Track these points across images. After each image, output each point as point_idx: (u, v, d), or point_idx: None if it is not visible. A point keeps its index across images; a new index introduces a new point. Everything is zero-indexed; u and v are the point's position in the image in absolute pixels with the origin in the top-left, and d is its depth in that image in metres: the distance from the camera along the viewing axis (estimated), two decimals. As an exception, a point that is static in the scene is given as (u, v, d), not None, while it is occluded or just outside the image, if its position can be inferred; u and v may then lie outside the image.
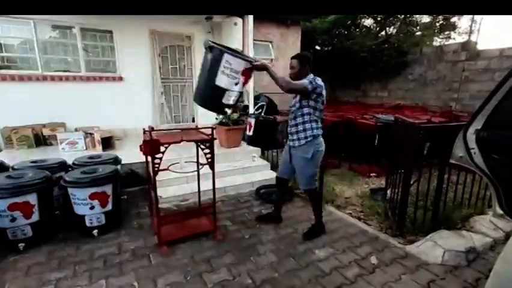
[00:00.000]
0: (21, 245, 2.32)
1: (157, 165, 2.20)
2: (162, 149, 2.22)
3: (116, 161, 3.18)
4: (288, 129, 2.58)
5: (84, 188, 2.44)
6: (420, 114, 5.68)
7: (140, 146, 2.14)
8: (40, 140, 4.51)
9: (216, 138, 2.42)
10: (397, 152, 3.14)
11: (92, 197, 2.47)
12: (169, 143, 2.23)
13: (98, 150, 4.13)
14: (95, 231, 2.54)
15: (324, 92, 2.42)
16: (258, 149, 4.57)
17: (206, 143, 2.38)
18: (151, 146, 2.11)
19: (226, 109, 2.25)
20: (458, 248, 2.33)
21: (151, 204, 2.77)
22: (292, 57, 2.52)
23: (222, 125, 4.53)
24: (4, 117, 4.36)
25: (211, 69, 2.11)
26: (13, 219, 2.26)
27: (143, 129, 2.54)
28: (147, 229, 2.74)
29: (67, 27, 4.83)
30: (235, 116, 4.46)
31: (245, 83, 2.23)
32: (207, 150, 2.40)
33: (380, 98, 8.62)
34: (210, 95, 2.23)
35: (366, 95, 9.11)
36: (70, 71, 4.97)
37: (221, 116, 4.63)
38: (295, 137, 2.50)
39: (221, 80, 2.11)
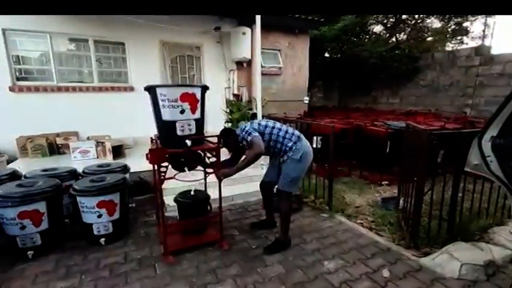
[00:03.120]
0: (30, 253, 2.34)
1: (163, 174, 2.20)
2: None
3: (125, 169, 3.22)
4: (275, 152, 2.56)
5: (92, 197, 2.46)
6: (433, 121, 5.52)
7: (147, 154, 2.15)
8: (54, 148, 4.63)
9: (222, 147, 2.40)
10: (409, 160, 3.04)
11: (99, 205, 2.49)
12: (175, 152, 2.23)
13: (109, 158, 4.21)
14: (102, 240, 2.55)
15: (261, 123, 2.52)
16: (266, 158, 4.54)
17: (212, 151, 2.37)
18: (157, 154, 2.12)
19: (187, 141, 2.22)
20: (477, 262, 2.20)
21: (157, 212, 2.76)
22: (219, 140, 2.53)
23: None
24: (20, 127, 4.50)
25: (155, 108, 2.20)
26: (23, 227, 2.30)
27: (151, 137, 2.57)
28: (154, 238, 2.73)
29: (81, 39, 5.00)
30: (243, 124, 4.46)
31: (194, 107, 2.23)
32: (214, 159, 2.39)
33: (391, 105, 8.46)
34: (165, 134, 2.28)
35: (377, 101, 8.97)
36: (83, 82, 5.12)
37: (229, 124, 4.65)
38: (283, 155, 2.50)
39: (165, 114, 2.17)
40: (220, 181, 2.41)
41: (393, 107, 8.20)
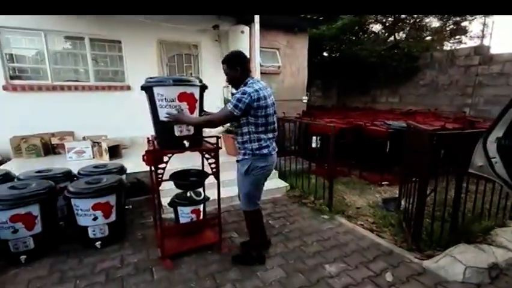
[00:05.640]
0: (23, 258, 2.27)
1: (160, 176, 2.14)
2: (165, 158, 2.16)
3: (121, 170, 3.15)
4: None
5: (87, 199, 2.39)
6: (432, 120, 5.50)
7: (143, 155, 2.09)
8: (49, 149, 4.54)
9: (221, 148, 2.35)
10: (410, 160, 3.00)
11: (95, 207, 2.42)
12: (172, 153, 2.17)
13: (105, 159, 4.13)
14: (98, 243, 2.49)
15: (266, 102, 1.99)
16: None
17: (211, 152, 2.31)
18: (154, 156, 2.05)
19: (185, 142, 2.17)
20: (480, 264, 2.16)
21: (155, 215, 2.70)
22: (222, 62, 2.14)
23: (228, 133, 4.48)
24: (14, 127, 4.41)
25: (152, 107, 2.13)
26: (15, 231, 2.23)
27: (147, 138, 2.51)
28: (151, 241, 2.67)
29: (77, 37, 4.90)
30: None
31: (192, 107, 2.16)
32: (212, 160, 2.33)
33: (390, 104, 8.43)
34: (162, 134, 2.22)
35: (376, 101, 8.94)
36: (79, 81, 5.03)
37: (228, 124, 4.58)
38: (239, 151, 2.20)
39: (162, 114, 2.10)
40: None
41: (392, 107, 8.18)
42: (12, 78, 4.56)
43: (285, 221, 3.12)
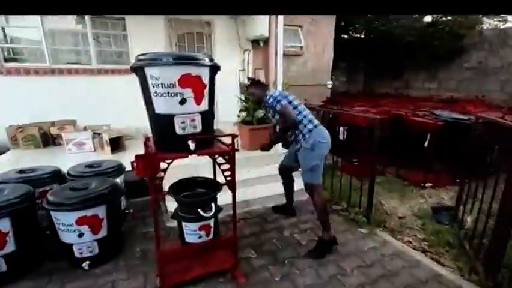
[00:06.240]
0: (-7, 282, 1.84)
1: (157, 188, 1.60)
2: (164, 165, 1.61)
3: (119, 170, 2.66)
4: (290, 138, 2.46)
5: (69, 212, 1.90)
6: (484, 110, 4.64)
7: (132, 163, 1.54)
8: (48, 139, 4.13)
9: (238, 150, 1.76)
10: (479, 163, 2.32)
11: (79, 222, 1.93)
12: (172, 158, 1.61)
13: (107, 152, 3.67)
14: (85, 264, 2.02)
15: (288, 99, 2.35)
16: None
17: (226, 155, 1.73)
18: (147, 163, 1.50)
19: (190, 143, 1.60)
20: None
21: (155, 228, 2.19)
22: (249, 85, 2.68)
23: (244, 124, 3.88)
24: (11, 115, 4.00)
25: (145, 95, 1.59)
26: (-20, 251, 1.78)
27: (146, 137, 1.95)
28: (151, 260, 2.17)
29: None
30: (261, 113, 3.77)
31: (200, 95, 1.57)
32: (226, 166, 1.76)
33: (427, 90, 7.43)
34: (159, 132, 1.69)
35: (410, 86, 7.93)
36: (80, 63, 4.54)
37: (243, 113, 3.98)
38: (297, 143, 2.38)
39: (159, 106, 1.54)
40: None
41: (429, 93, 7.22)
42: (6, 60, 4.12)
43: (314, 236, 2.52)
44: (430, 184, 3.76)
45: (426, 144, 3.75)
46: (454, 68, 6.89)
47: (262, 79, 4.62)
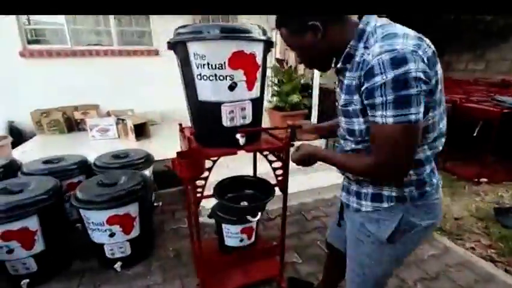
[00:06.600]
0: (24, 283, 1.72)
1: (199, 191, 1.35)
2: (209, 163, 1.36)
3: (147, 161, 2.45)
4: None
5: (99, 210, 1.71)
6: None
7: (172, 161, 1.28)
8: (72, 124, 4.02)
9: (293, 144, 1.46)
10: None
11: (110, 221, 1.75)
12: (219, 155, 1.34)
13: (131, 138, 3.50)
14: (117, 265, 1.86)
15: (436, 73, 0.83)
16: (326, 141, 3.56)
17: (278, 152, 1.46)
18: (192, 161, 1.24)
19: (239, 137, 1.31)
20: None
21: (190, 226, 2.00)
22: (277, 26, 0.97)
23: (275, 110, 3.57)
24: (34, 99, 3.90)
25: (185, 80, 1.29)
26: (10, 251, 1.64)
27: (179, 124, 1.70)
28: (186, 261, 2.00)
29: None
30: (295, 98, 3.43)
31: (252, 78, 1.26)
32: (278, 164, 1.48)
33: (471, 72, 6.71)
34: (203, 123, 1.38)
35: (450, 68, 7.19)
36: (102, 45, 4.32)
37: (275, 98, 3.66)
38: (353, 187, 1.05)
39: (202, 91, 1.24)
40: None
41: (473, 75, 6.51)
42: (29, 42, 3.96)
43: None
44: (485, 180, 3.35)
45: (475, 133, 3.31)
46: (506, 47, 6.11)
47: (292, 62, 4.23)
